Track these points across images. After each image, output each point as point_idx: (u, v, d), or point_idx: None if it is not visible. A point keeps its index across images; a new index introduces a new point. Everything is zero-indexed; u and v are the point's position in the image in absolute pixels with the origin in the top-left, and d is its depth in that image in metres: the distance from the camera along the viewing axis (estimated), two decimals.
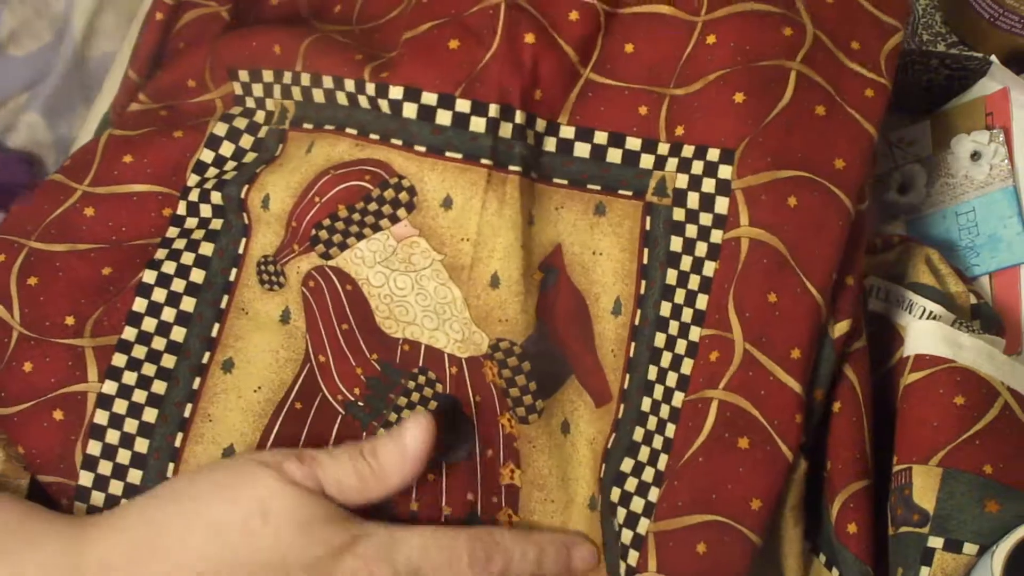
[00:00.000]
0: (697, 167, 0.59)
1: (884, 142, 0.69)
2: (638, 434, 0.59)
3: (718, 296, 0.57)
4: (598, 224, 0.61)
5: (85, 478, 0.61)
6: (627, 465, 0.59)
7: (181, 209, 0.65)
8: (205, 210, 0.65)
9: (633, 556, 0.57)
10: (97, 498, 0.61)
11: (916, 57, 0.69)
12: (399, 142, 0.62)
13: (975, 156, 0.65)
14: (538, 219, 0.61)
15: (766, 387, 0.56)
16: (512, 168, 0.60)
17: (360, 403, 0.62)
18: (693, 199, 0.59)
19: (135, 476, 0.61)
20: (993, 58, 0.66)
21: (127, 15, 0.72)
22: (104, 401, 0.61)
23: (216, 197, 0.65)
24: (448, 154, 0.60)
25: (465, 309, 0.60)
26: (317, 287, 0.62)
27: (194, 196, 0.65)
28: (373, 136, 0.62)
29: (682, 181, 0.59)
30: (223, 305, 0.63)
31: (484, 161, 0.60)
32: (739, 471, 0.55)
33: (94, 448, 0.61)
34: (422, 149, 0.61)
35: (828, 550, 0.59)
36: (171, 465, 0.61)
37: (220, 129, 0.66)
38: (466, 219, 0.60)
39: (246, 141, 0.66)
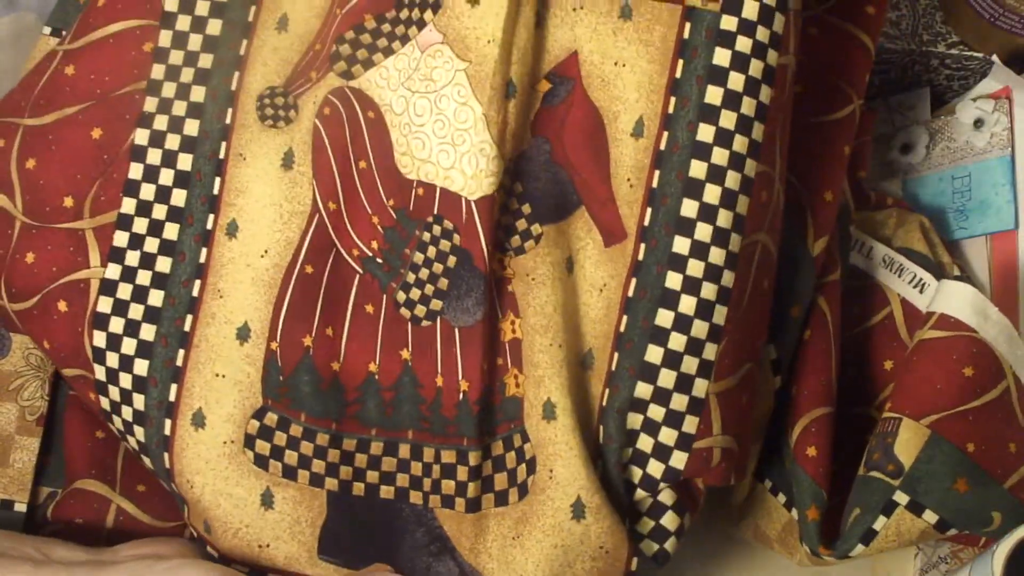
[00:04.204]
0: None
1: (884, 106, 0.71)
2: (673, 281, 0.52)
3: (771, 128, 0.53)
4: (622, 29, 0.53)
5: (100, 372, 0.57)
6: (664, 319, 0.52)
7: (164, 40, 0.59)
8: (194, 42, 0.59)
9: (690, 422, 0.52)
10: (114, 392, 0.58)
11: (916, 57, 0.70)
12: None
13: (978, 123, 0.67)
14: (552, 19, 0.54)
15: None
16: None
17: (379, 260, 0.56)
18: (750, 8, 0.52)
19: (141, 367, 0.57)
20: (994, 58, 0.67)
21: None
22: (108, 287, 0.58)
23: (214, 26, 0.59)
24: None
25: (485, 130, 0.53)
26: (334, 114, 0.56)
27: (183, 24, 0.59)
28: None
29: None
30: (222, 155, 0.58)
31: None
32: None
33: (99, 340, 0.57)
34: None
35: (776, 476, 0.59)
36: (181, 352, 0.57)
37: None
38: (492, 15, 0.53)
39: None
